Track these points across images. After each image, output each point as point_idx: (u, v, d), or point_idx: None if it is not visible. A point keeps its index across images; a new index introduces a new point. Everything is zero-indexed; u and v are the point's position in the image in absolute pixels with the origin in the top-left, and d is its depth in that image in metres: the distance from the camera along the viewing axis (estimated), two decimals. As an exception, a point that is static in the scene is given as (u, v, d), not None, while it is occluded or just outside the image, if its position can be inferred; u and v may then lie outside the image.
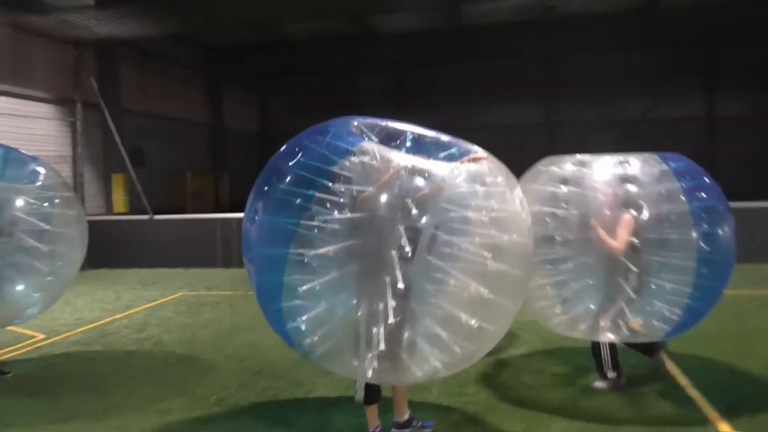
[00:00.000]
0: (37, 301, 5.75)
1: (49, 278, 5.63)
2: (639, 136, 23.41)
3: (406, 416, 4.21)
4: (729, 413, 4.51)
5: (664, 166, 4.68)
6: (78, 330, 7.79)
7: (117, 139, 14.21)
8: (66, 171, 13.79)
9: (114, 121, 14.26)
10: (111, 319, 8.39)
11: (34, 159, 6.01)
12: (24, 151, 6.09)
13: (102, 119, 14.31)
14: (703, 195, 4.62)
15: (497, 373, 5.60)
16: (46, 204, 5.56)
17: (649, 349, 5.17)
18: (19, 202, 5.40)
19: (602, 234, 4.56)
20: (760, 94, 21.95)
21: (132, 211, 14.58)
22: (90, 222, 6.39)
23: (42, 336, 7.44)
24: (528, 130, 23.93)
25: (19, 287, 5.52)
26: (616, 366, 5.00)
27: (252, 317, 7.90)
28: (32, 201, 5.46)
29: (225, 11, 13.37)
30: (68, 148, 14.02)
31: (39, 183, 5.68)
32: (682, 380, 5.22)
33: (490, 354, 4.27)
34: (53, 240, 5.52)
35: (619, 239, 4.50)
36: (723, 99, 22.79)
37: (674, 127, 22.66)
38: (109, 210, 14.96)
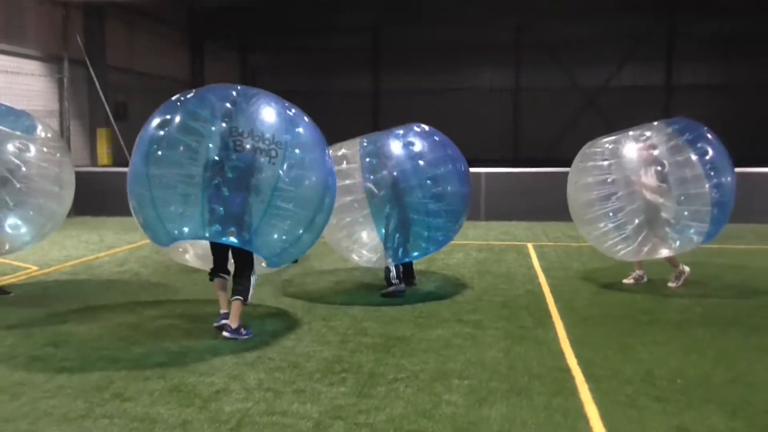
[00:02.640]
0: (33, 234, 6.97)
1: (46, 216, 6.86)
2: (601, 104, 24.68)
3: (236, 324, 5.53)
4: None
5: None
6: (67, 264, 9.01)
7: (101, 94, 15.25)
8: (53, 125, 14.80)
9: (99, 78, 15.27)
10: (95, 256, 9.62)
11: (24, 112, 7.16)
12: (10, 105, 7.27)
13: (88, 76, 15.30)
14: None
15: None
16: (49, 151, 6.76)
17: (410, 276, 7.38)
18: (28, 150, 6.58)
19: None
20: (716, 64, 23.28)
21: (115, 164, 15.66)
22: (76, 173, 7.42)
23: (35, 268, 8.66)
24: (495, 95, 25.11)
25: (20, 222, 6.73)
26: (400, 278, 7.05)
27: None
28: (42, 149, 6.67)
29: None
30: (56, 103, 15.02)
31: (40, 134, 6.86)
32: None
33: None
34: (53, 182, 6.75)
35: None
36: (682, 68, 24.01)
37: (635, 94, 23.88)
38: (94, 162, 16.03)
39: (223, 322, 5.56)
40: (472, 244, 10.49)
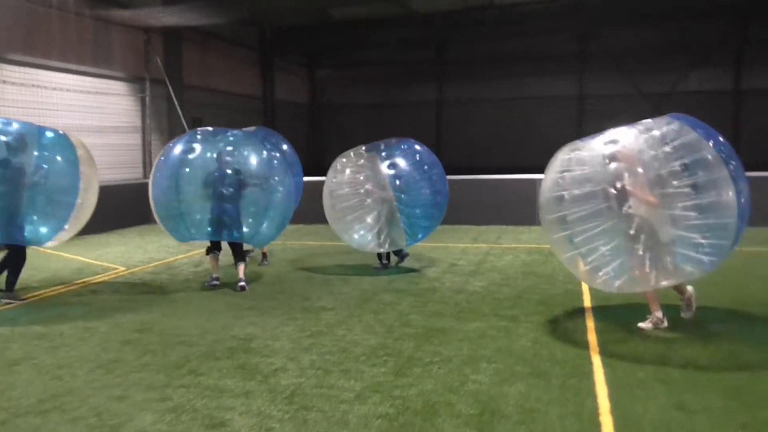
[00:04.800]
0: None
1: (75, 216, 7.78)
2: (668, 110, 24.50)
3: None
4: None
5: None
6: (150, 265, 10.02)
7: (179, 111, 16.47)
8: (137, 139, 16.19)
9: (176, 96, 16.50)
10: (174, 258, 10.61)
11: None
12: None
13: (167, 94, 16.56)
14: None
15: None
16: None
17: (397, 252, 9.31)
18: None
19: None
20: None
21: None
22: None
23: (123, 268, 9.70)
24: (560, 102, 25.26)
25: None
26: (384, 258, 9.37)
27: (274, 258, 9.97)
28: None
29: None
30: (138, 119, 16.35)
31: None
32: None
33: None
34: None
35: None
36: (751, 73, 23.56)
37: (702, 100, 23.59)
38: (173, 173, 17.24)
39: (215, 283, 8.32)
40: (523, 248, 10.95)
